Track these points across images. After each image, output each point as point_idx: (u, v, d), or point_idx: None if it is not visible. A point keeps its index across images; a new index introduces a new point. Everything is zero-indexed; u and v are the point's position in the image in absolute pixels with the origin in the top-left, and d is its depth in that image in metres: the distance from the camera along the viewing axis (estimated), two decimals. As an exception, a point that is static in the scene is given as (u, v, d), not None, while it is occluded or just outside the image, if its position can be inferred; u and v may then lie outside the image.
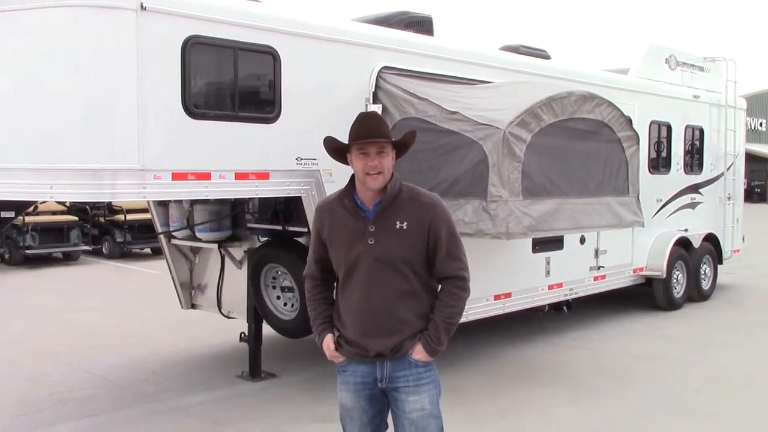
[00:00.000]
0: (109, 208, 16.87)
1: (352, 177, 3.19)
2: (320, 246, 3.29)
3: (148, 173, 5.03)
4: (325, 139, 3.27)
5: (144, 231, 16.07)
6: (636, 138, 6.95)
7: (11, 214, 5.53)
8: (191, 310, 7.88)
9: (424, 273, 3.18)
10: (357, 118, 3.19)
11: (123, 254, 16.89)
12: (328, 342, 3.27)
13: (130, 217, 16.32)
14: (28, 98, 4.91)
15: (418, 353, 3.14)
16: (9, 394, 6.48)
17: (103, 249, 17.06)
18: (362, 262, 3.11)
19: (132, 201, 14.70)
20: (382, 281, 3.10)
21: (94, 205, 16.67)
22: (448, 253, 3.17)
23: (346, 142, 3.16)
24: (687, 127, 10.56)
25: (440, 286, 3.22)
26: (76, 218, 16.30)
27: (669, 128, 10.15)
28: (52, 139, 4.90)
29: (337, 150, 3.25)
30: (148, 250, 17.34)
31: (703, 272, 10.84)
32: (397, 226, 3.12)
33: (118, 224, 16.66)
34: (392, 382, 3.17)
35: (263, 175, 5.64)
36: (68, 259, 16.47)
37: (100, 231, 17.08)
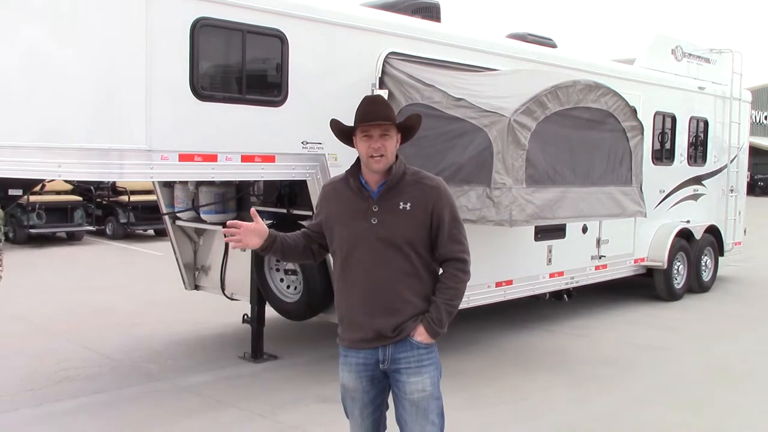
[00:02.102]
0: (113, 189, 16.93)
1: (358, 158, 3.24)
2: (319, 224, 3.35)
3: (155, 154, 5.08)
4: (331, 121, 3.32)
5: (147, 212, 16.14)
6: (640, 128, 6.97)
7: (19, 192, 5.55)
8: (195, 291, 7.95)
9: (426, 254, 3.22)
10: (362, 101, 3.23)
11: (126, 235, 16.96)
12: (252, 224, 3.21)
13: (133, 198, 16.38)
14: (38, 78, 4.92)
15: (420, 335, 3.18)
16: (15, 370, 6.55)
17: (107, 230, 17.13)
18: (365, 241, 3.16)
19: (137, 182, 14.79)
20: (384, 261, 3.14)
21: (98, 186, 16.73)
22: (450, 236, 3.21)
23: (356, 122, 3.20)
24: (692, 118, 10.56)
25: (441, 268, 3.26)
26: (80, 198, 16.36)
27: (674, 119, 10.17)
28: (60, 118, 4.93)
29: (342, 132, 3.29)
30: (151, 232, 17.41)
31: (703, 264, 10.87)
32: (400, 207, 3.16)
33: (121, 205, 16.72)
34: (394, 363, 3.21)
35: (269, 158, 5.68)
36: (72, 238, 16.55)
37: (104, 211, 17.15)
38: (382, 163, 3.15)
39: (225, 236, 3.24)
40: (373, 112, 3.14)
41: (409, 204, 3.16)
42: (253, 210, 3.30)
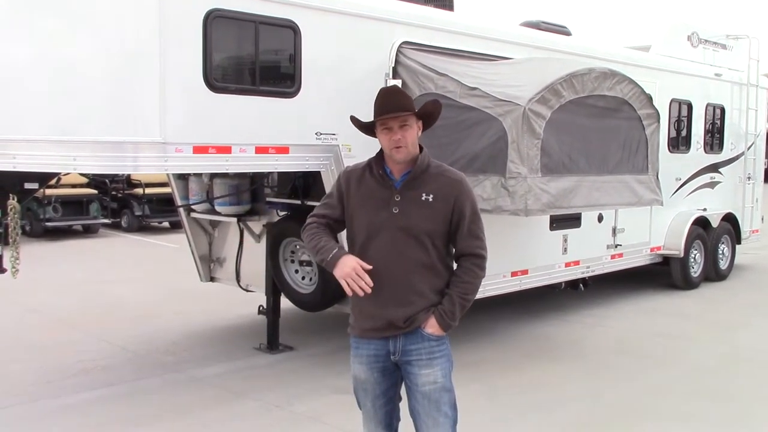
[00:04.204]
0: (128, 182, 16.99)
1: (382, 149, 3.23)
2: (337, 206, 3.29)
3: (169, 146, 5.07)
4: (351, 118, 3.34)
5: (162, 205, 16.20)
6: (656, 116, 6.91)
7: (35, 186, 5.58)
8: (210, 283, 7.98)
9: (443, 248, 3.22)
10: (378, 93, 3.21)
11: (141, 227, 17.03)
12: (353, 261, 3.08)
13: (148, 190, 16.42)
14: (52, 71, 4.94)
15: (431, 327, 3.18)
16: (33, 362, 6.61)
17: (122, 222, 17.20)
18: (385, 230, 3.15)
19: (152, 174, 14.83)
20: (402, 251, 3.14)
21: (114, 179, 16.81)
22: (470, 230, 3.20)
23: (370, 116, 3.20)
24: (708, 105, 10.46)
25: (458, 263, 3.26)
26: (95, 191, 16.44)
27: (690, 106, 10.06)
28: (75, 111, 4.95)
29: (363, 127, 3.30)
30: (166, 224, 17.48)
31: (721, 252, 10.78)
32: (423, 198, 3.15)
33: (137, 197, 16.79)
34: (405, 355, 3.20)
35: (283, 150, 5.67)
36: (88, 231, 16.64)
37: (119, 204, 17.22)
38: (402, 153, 3.14)
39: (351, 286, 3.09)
40: (390, 104, 3.14)
41: (431, 196, 3.16)
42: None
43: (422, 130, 3.25)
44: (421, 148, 3.21)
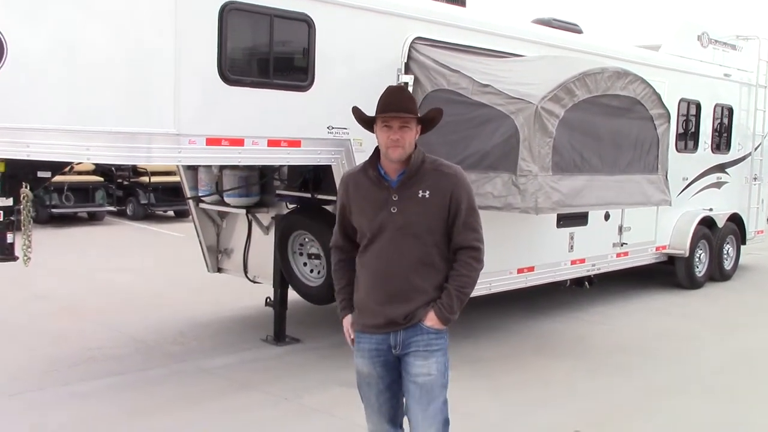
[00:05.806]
0: (134, 170, 17.02)
1: (377, 148, 3.27)
2: (345, 217, 3.37)
3: (183, 138, 5.09)
4: (353, 109, 3.36)
5: (168, 193, 16.23)
6: (667, 116, 6.92)
7: (48, 174, 5.59)
8: (217, 273, 8.00)
9: (443, 244, 3.25)
10: (385, 91, 3.25)
11: (146, 216, 17.06)
12: (347, 324, 3.42)
13: (154, 179, 16.45)
14: (68, 61, 4.94)
15: (430, 320, 3.22)
16: (41, 349, 6.64)
17: (128, 210, 17.23)
18: (385, 230, 3.19)
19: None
20: (402, 250, 3.18)
21: (119, 167, 16.83)
22: (466, 224, 3.23)
23: (377, 111, 3.22)
24: (716, 105, 10.45)
25: (455, 256, 3.28)
26: (101, 179, 16.47)
27: (698, 106, 10.06)
28: (89, 101, 4.95)
29: (364, 120, 3.33)
30: (171, 213, 17.50)
31: (725, 252, 10.81)
32: (420, 195, 3.19)
33: (142, 186, 16.82)
34: (405, 347, 3.26)
35: (295, 143, 5.69)
36: (93, 219, 16.68)
37: (125, 192, 17.24)
38: (398, 152, 3.17)
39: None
40: (394, 104, 3.17)
41: (428, 192, 3.19)
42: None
43: (421, 133, 3.28)
44: (415, 146, 3.23)
